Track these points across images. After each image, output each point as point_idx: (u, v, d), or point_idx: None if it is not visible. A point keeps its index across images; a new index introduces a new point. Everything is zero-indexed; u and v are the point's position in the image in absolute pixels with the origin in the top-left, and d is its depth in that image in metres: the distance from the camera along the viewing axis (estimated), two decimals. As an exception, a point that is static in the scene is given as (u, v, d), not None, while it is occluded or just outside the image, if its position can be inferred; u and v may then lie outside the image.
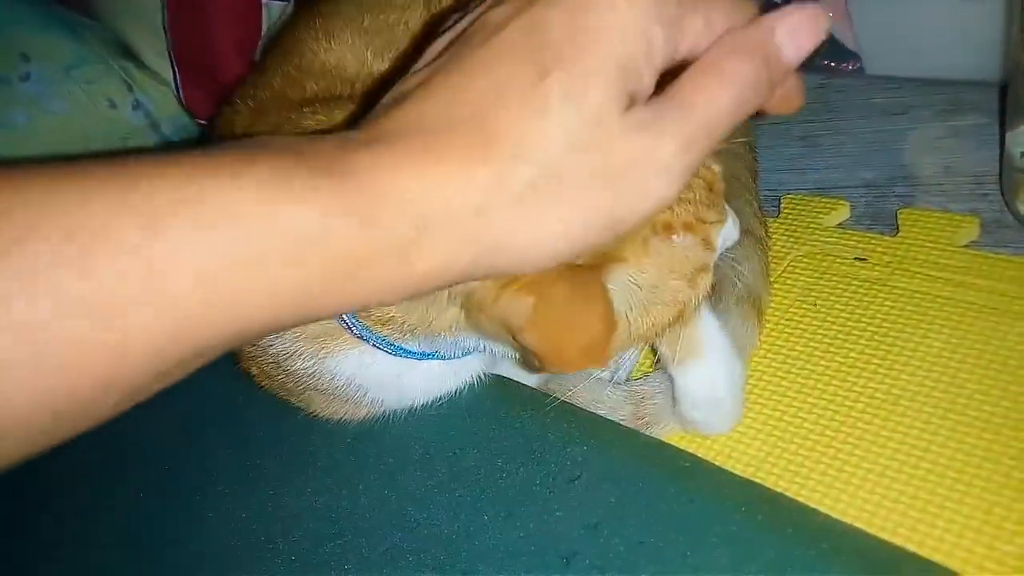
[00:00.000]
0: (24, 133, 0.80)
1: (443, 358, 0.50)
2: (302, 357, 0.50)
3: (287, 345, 0.50)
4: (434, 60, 0.34)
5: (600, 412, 0.55)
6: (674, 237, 0.44)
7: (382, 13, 0.62)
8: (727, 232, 0.49)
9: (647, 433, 0.55)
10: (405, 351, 0.48)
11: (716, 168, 0.47)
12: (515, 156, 0.30)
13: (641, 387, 0.56)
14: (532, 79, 0.30)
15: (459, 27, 0.35)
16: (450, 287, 0.36)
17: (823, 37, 0.34)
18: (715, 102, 0.32)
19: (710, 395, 0.54)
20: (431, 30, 0.42)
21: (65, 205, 0.26)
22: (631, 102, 0.31)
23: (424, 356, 0.49)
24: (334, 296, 0.30)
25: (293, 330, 0.49)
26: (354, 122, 0.36)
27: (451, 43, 0.34)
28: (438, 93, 0.31)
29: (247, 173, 0.28)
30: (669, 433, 0.55)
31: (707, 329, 0.54)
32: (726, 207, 0.48)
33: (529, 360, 0.41)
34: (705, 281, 0.46)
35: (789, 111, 0.37)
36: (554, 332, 0.38)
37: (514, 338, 0.40)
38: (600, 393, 0.56)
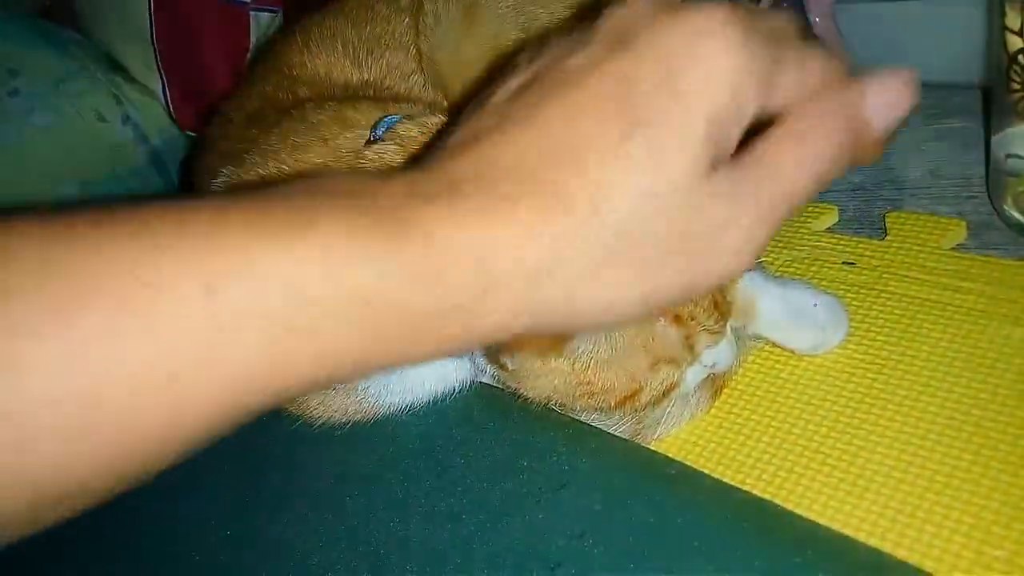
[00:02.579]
0: (13, 148, 0.80)
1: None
2: None
3: None
4: (508, 101, 0.32)
5: (593, 418, 0.54)
6: (660, 319, 0.44)
7: (368, 25, 0.63)
8: (721, 354, 0.49)
9: (647, 436, 0.54)
10: None
11: (733, 291, 0.48)
12: (593, 216, 0.28)
13: None
14: (617, 136, 0.29)
15: (534, 67, 0.33)
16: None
17: (915, 103, 0.32)
18: (800, 172, 0.30)
19: (793, 319, 0.56)
20: (498, 65, 0.42)
21: (126, 260, 0.26)
22: (716, 162, 0.30)
23: None
24: (394, 356, 0.29)
25: None
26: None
27: (525, 85, 0.32)
28: (513, 140, 0.30)
29: (310, 238, 0.27)
30: (664, 437, 0.55)
31: (748, 288, 0.55)
32: (729, 331, 0.48)
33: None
34: (667, 375, 0.46)
35: (860, 164, 0.35)
36: None
37: None
38: None
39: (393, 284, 0.27)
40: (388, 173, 0.32)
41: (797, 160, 0.30)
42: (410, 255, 0.27)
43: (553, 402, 0.48)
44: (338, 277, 0.27)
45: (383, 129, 0.48)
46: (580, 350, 0.44)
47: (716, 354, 0.49)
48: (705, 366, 0.49)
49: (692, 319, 0.45)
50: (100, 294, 0.25)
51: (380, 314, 0.28)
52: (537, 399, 0.49)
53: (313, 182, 0.29)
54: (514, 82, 0.33)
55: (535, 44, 0.35)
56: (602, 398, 0.46)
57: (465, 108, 0.34)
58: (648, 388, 0.46)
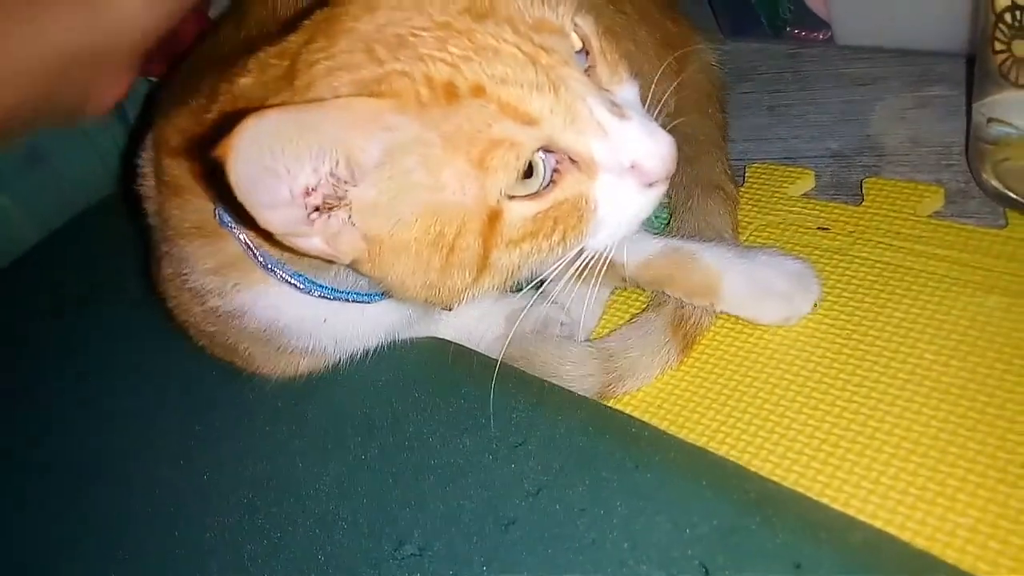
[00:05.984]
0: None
1: (368, 300, 0.48)
2: (214, 294, 0.49)
3: (199, 281, 0.49)
4: None
5: (565, 370, 0.53)
6: (462, 100, 0.37)
7: None
8: (629, 137, 0.39)
9: (618, 388, 0.53)
10: (317, 285, 0.47)
11: (551, 41, 0.39)
12: None
13: (609, 344, 0.55)
14: None
15: None
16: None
17: None
18: None
19: (759, 295, 0.54)
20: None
21: None
22: None
23: (341, 295, 0.48)
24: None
25: (202, 264, 0.49)
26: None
27: None
28: None
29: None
30: (641, 386, 0.54)
31: (713, 266, 0.54)
32: (636, 107, 0.40)
33: None
34: (505, 161, 0.37)
35: None
36: None
37: None
38: (564, 351, 0.54)
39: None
40: None
41: None
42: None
43: (435, 291, 0.41)
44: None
45: None
46: (402, 213, 0.38)
47: (621, 140, 0.39)
48: (622, 162, 0.39)
49: (494, 77, 0.37)
50: None
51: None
52: (419, 295, 0.42)
53: None
54: None
55: None
56: (464, 244, 0.39)
57: None
58: (489, 195, 0.38)
